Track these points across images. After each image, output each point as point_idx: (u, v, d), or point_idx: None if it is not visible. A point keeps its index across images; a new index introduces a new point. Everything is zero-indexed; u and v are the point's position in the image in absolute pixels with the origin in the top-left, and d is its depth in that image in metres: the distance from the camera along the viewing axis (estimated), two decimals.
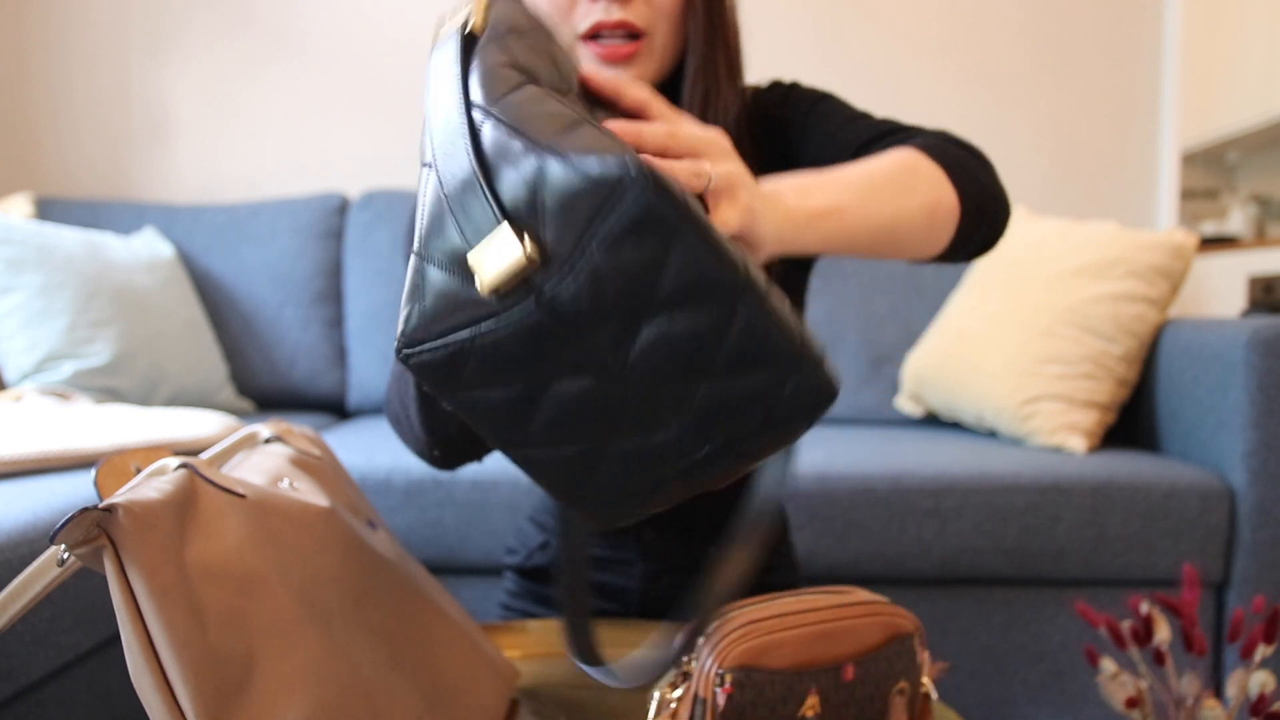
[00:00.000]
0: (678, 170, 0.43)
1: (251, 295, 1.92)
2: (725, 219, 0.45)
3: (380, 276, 1.92)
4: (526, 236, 0.39)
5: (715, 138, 0.48)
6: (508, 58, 0.44)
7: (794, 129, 0.80)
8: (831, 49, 2.17)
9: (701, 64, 0.76)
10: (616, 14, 0.72)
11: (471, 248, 0.40)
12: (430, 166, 0.42)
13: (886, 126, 0.75)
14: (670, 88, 0.79)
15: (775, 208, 0.49)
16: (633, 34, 0.73)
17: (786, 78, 0.86)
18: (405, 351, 0.42)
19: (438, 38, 0.46)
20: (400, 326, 0.42)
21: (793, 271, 0.86)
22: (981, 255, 0.72)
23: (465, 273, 0.40)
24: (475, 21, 0.45)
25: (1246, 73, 1.91)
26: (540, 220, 0.38)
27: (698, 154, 0.46)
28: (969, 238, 0.67)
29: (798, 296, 0.89)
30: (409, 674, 0.56)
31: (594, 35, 0.73)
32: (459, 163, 0.40)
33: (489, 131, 0.40)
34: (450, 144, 0.40)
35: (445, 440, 0.70)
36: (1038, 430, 1.51)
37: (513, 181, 0.39)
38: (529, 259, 0.39)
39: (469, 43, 0.45)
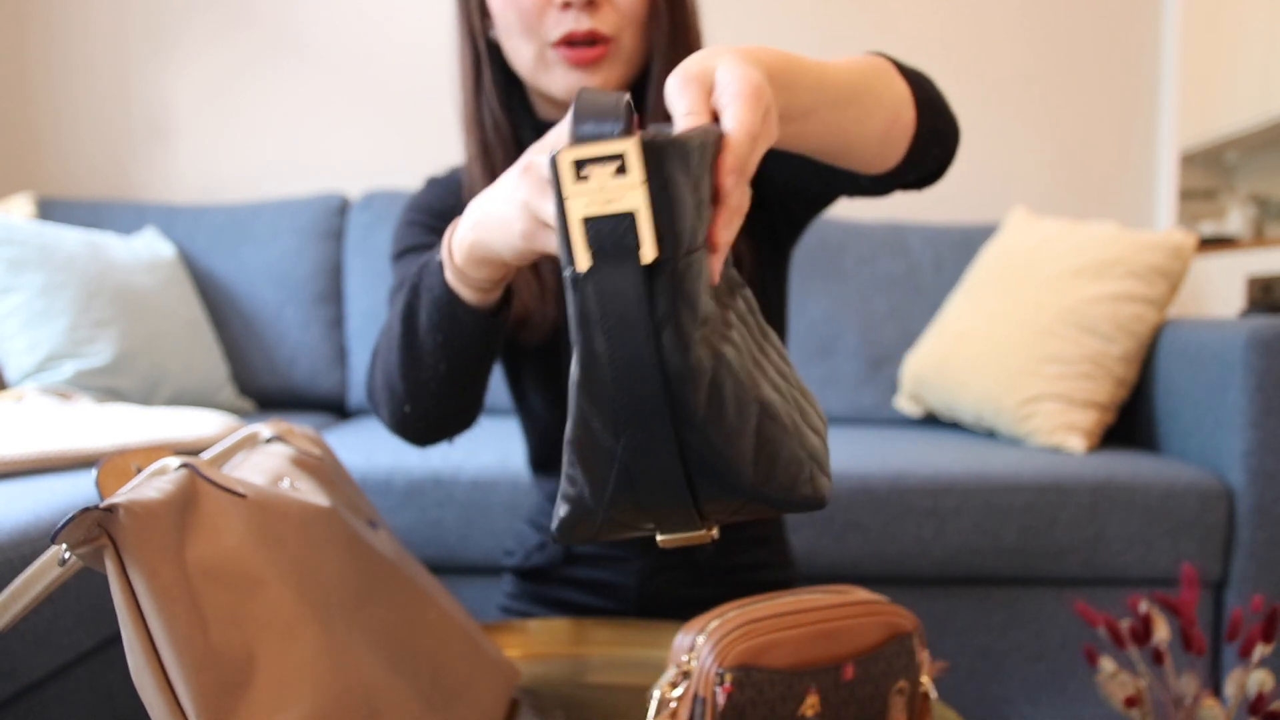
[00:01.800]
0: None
1: (252, 295, 1.92)
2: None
3: (380, 277, 1.92)
4: (715, 526, 0.44)
5: (741, 141, 0.42)
6: (701, 328, 0.40)
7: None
8: (831, 49, 2.17)
9: (666, 68, 0.78)
10: (586, 23, 0.73)
11: (660, 532, 0.44)
12: (616, 435, 0.40)
13: None
14: (635, 93, 0.80)
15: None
16: (601, 40, 0.75)
17: None
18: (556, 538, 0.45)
19: (578, 210, 0.37)
20: (556, 522, 0.44)
21: (767, 272, 0.86)
22: (932, 182, 0.72)
23: (635, 523, 0.43)
24: (645, 244, 0.37)
25: (1245, 73, 1.91)
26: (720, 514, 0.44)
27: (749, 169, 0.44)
28: (920, 159, 0.67)
29: (776, 296, 0.89)
30: (409, 673, 0.56)
31: (564, 41, 0.74)
32: (666, 480, 0.41)
33: (693, 443, 0.40)
34: (652, 448, 0.40)
35: (419, 388, 0.69)
36: (1037, 430, 1.51)
37: (714, 493, 0.42)
38: (711, 538, 0.44)
39: (651, 274, 0.38)
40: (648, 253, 0.37)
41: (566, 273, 0.38)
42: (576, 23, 0.73)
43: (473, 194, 0.82)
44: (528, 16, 0.74)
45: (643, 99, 0.80)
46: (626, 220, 0.37)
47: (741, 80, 0.43)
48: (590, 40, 0.74)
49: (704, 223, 0.40)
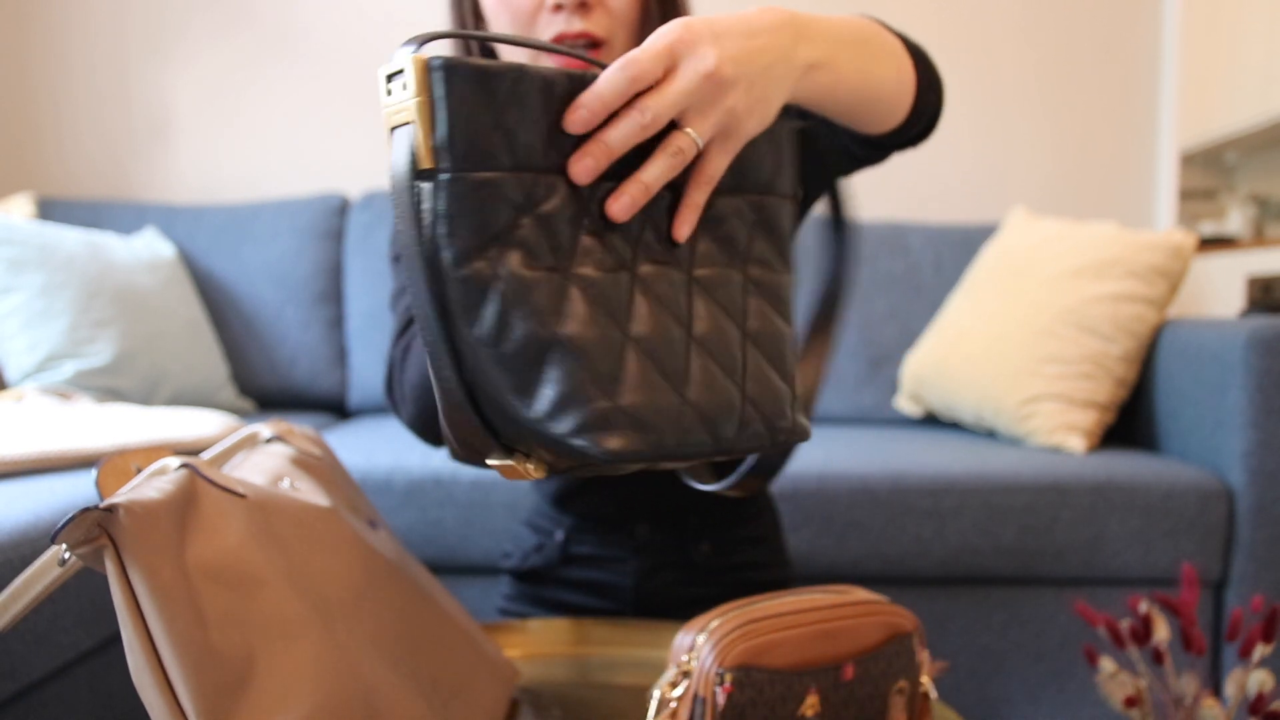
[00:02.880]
0: (656, 172, 0.46)
1: (252, 295, 1.92)
2: (720, 160, 0.48)
3: (380, 276, 1.92)
4: (533, 464, 0.45)
5: (684, 80, 0.46)
6: (496, 245, 0.42)
7: None
8: None
9: None
10: (578, 25, 0.73)
11: (480, 459, 0.46)
12: (422, 339, 0.43)
13: None
14: None
15: (778, 67, 0.50)
16: (594, 43, 0.75)
17: None
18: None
19: (386, 121, 0.42)
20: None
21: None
22: (924, 139, 0.72)
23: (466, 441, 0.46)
24: (420, 153, 0.41)
25: (1245, 73, 1.91)
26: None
27: (680, 114, 0.46)
28: (921, 110, 0.67)
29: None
30: (409, 673, 0.56)
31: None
32: (450, 392, 0.43)
33: (468, 359, 0.43)
34: (435, 357, 0.43)
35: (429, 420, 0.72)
36: (1037, 430, 1.51)
37: (501, 421, 0.44)
38: (528, 474, 0.45)
39: (424, 177, 0.41)
40: (421, 159, 0.41)
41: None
42: (568, 25, 0.73)
43: None
44: (520, 19, 0.74)
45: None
46: (407, 130, 0.41)
47: (634, 52, 0.45)
48: (582, 42, 0.74)
49: (527, 150, 0.42)
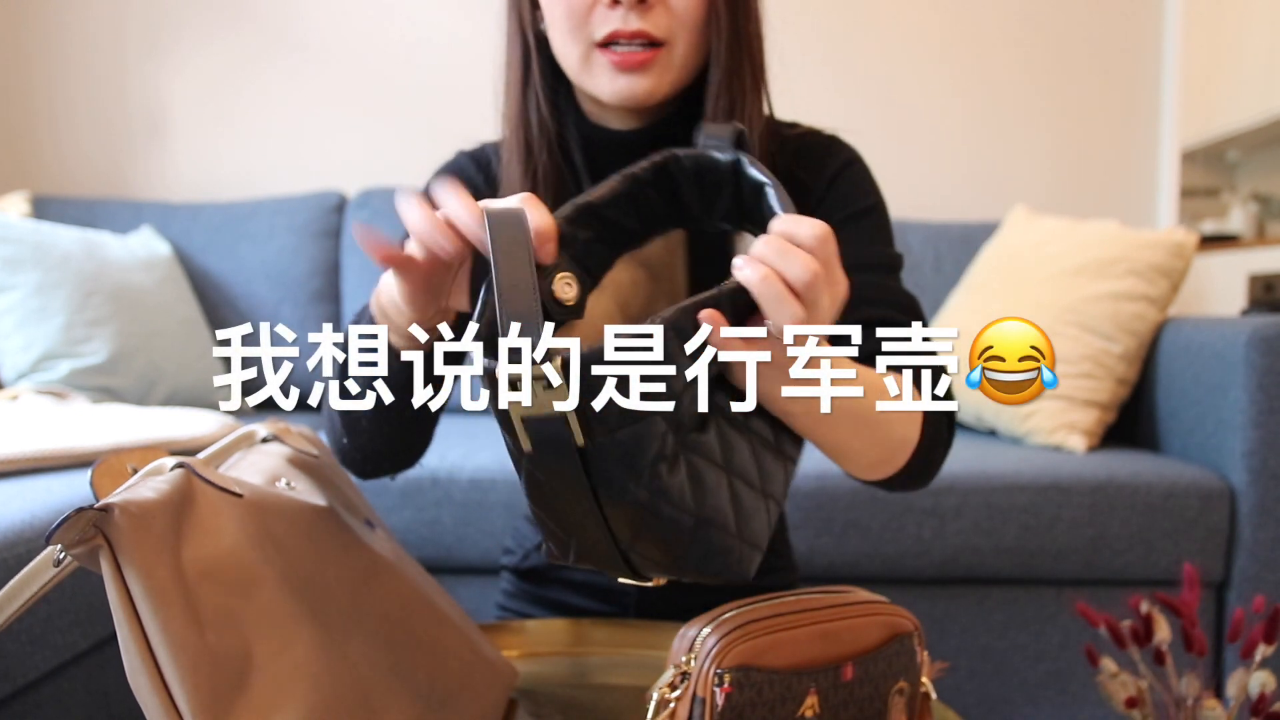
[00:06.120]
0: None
1: (249, 294, 1.91)
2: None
3: (378, 275, 1.91)
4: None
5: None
6: (647, 470, 0.45)
7: (815, 201, 0.78)
8: (834, 49, 2.17)
9: (725, 76, 0.73)
10: (635, 23, 0.69)
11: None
12: (567, 533, 0.49)
13: (890, 310, 0.74)
14: (691, 101, 0.75)
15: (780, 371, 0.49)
16: (651, 43, 0.70)
17: (804, 116, 0.82)
18: None
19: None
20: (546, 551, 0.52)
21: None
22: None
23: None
24: (575, 436, 0.43)
25: (1246, 71, 1.91)
26: None
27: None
28: (891, 487, 0.70)
29: None
30: (407, 674, 0.56)
31: (610, 42, 0.70)
32: (606, 557, 0.49)
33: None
34: (595, 546, 0.48)
35: (353, 424, 0.67)
36: (1037, 429, 1.51)
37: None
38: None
39: (583, 453, 0.44)
40: (579, 440, 0.43)
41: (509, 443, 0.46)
42: (624, 22, 0.69)
43: (509, 188, 0.77)
44: (576, 13, 0.70)
45: (698, 109, 0.75)
46: (559, 419, 0.43)
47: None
48: (640, 42, 0.70)
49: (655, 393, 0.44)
